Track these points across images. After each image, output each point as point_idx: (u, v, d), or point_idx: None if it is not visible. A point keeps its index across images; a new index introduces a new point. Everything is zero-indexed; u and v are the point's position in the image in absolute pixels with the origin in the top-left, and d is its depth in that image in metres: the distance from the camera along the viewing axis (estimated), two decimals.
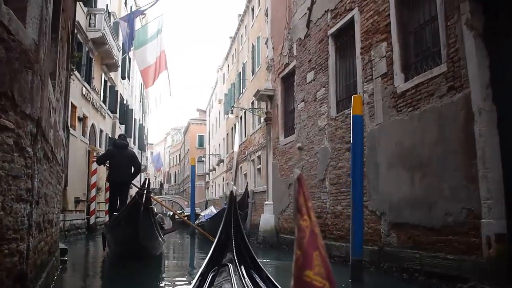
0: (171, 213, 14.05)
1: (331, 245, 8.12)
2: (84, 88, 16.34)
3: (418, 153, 5.88)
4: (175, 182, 66.13)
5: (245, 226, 13.16)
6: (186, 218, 25.94)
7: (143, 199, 6.72)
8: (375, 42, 7.15)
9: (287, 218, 10.41)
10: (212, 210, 16.77)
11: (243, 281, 2.45)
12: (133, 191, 8.44)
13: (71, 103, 14.64)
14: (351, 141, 6.06)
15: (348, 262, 7.33)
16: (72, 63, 10.36)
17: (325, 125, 8.67)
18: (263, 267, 2.85)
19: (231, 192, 3.36)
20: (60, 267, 6.72)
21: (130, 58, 27.95)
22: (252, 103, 21.92)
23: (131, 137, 28.43)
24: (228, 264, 2.79)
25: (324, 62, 8.94)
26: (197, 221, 16.07)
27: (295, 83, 10.54)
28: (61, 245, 7.57)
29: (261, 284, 2.60)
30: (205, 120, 47.85)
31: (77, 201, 15.51)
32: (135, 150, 31.21)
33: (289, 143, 10.65)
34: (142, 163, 36.61)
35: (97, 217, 16.64)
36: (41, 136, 3.38)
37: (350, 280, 5.83)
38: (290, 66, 10.92)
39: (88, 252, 11.51)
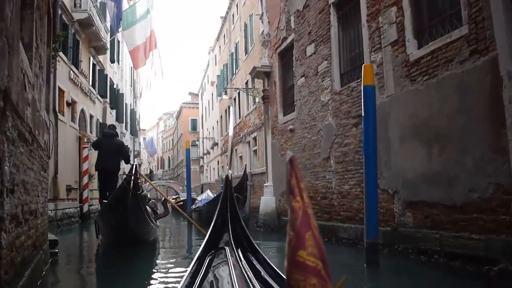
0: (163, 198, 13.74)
1: (338, 226, 7.69)
2: (71, 71, 15.66)
3: (435, 125, 5.40)
4: (169, 167, 65.64)
5: (244, 210, 12.71)
6: (181, 203, 25.56)
7: (131, 185, 6.58)
8: (383, 8, 6.60)
9: None
10: (208, 194, 16.31)
11: (240, 263, 2.44)
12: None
13: (59, 87, 14.04)
14: (363, 114, 5.55)
15: (358, 244, 6.95)
16: (57, 43, 9.73)
17: (329, 100, 8.15)
18: (260, 250, 2.82)
19: (227, 176, 3.31)
20: (50, 260, 6.25)
21: (119, 41, 27.13)
22: (246, 83, 21.34)
23: (122, 122, 27.78)
24: (225, 247, 2.79)
25: (326, 34, 8.38)
26: (193, 205, 15.58)
27: (293, 58, 9.97)
28: (51, 236, 7.06)
29: (258, 266, 2.60)
30: (198, 103, 47.14)
31: (69, 189, 14.98)
32: (127, 135, 30.61)
33: (289, 121, 10.13)
34: (135, 149, 35.98)
35: (90, 205, 16.12)
36: (12, 112, 2.84)
37: (365, 264, 5.38)
38: (288, 40, 10.34)
39: (82, 241, 11.21)
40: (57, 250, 6.90)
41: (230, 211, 3.06)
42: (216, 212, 3.13)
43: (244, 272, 2.25)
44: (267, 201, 10.82)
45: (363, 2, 7.16)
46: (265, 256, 2.65)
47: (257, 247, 2.88)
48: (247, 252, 2.83)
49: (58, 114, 13.97)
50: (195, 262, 2.56)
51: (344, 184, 7.54)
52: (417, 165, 5.73)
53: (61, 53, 14.33)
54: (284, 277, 1.97)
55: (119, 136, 26.33)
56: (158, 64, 18.92)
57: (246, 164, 13.30)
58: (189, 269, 2.47)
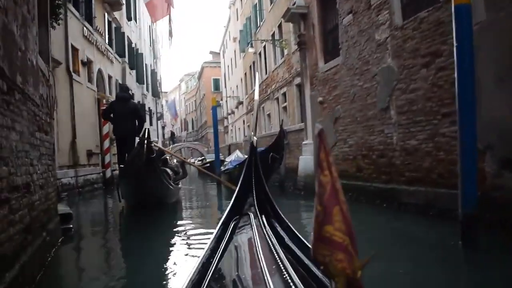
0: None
1: (401, 190, 6.41)
2: (85, 28, 14.38)
3: None
4: (192, 129, 64.97)
5: (279, 171, 11.51)
6: (208, 165, 24.56)
7: (144, 149, 6.55)
8: None
9: (335, 158, 8.65)
10: (238, 155, 15.08)
11: (264, 229, 2.42)
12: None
13: (72, 45, 12.85)
14: (455, 43, 4.13)
15: (429, 212, 5.72)
16: None
17: (387, 37, 6.68)
18: (283, 217, 2.75)
19: (251, 143, 3.25)
20: (62, 239, 5.23)
21: None
22: (273, 35, 19.74)
23: (143, 84, 26.66)
24: (249, 213, 2.78)
25: None
26: (222, 167, 14.45)
27: None
28: (64, 209, 6.04)
29: (281, 232, 2.52)
30: (219, 62, 45.58)
31: (90, 154, 14.05)
32: (149, 97, 29.58)
33: (332, 69, 8.69)
34: (158, 111, 34.97)
35: (113, 170, 15.17)
36: None
37: (461, 241, 4.12)
38: None
39: (106, 207, 10.87)
40: (71, 226, 5.90)
41: (254, 177, 3.04)
42: (241, 178, 3.12)
43: (268, 238, 2.24)
44: (307, 161, 9.54)
45: None
46: (289, 223, 2.60)
47: (281, 213, 2.80)
48: (271, 218, 2.81)
49: (73, 74, 12.87)
50: (219, 227, 2.58)
51: (410, 139, 6.19)
52: None
53: (72, 8, 13.09)
54: (308, 244, 2.02)
55: (141, 97, 25.40)
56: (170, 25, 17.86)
57: (282, 120, 11.81)
58: (213, 234, 2.46)
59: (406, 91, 6.20)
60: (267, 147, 10.14)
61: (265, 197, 3.00)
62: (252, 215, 2.72)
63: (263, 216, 2.72)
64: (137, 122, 8.54)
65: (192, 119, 65.36)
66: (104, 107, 15.08)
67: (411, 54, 6.08)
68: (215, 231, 2.52)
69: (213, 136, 15.83)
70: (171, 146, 45.20)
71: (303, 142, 9.97)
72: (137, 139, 7.25)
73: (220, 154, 19.60)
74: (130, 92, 9.43)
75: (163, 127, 43.78)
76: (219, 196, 12.36)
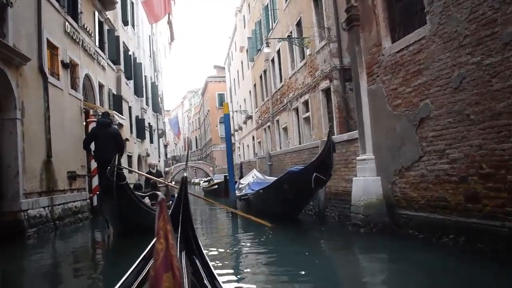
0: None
1: None
2: (67, 24, 11.71)
3: None
4: (196, 147, 62.28)
5: (317, 195, 8.62)
6: (216, 187, 21.54)
7: (114, 177, 6.46)
8: None
9: (419, 180, 5.76)
10: (257, 175, 12.12)
11: (181, 268, 2.40)
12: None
13: (48, 40, 10.16)
14: None
15: None
16: None
17: None
18: (205, 254, 2.81)
19: (183, 178, 3.21)
20: None
21: (132, 2, 23.22)
22: (289, 36, 17.09)
23: (142, 97, 23.97)
24: None
25: None
26: (237, 191, 11.54)
27: None
28: None
29: (201, 270, 2.62)
30: (224, 76, 43.09)
31: (73, 176, 11.24)
32: (149, 112, 26.90)
33: (411, 46, 5.81)
34: (159, 127, 32.20)
35: None
36: None
37: None
38: None
39: (93, 243, 8.52)
40: None
41: (182, 212, 2.96)
42: (170, 211, 2.97)
43: (185, 277, 2.27)
44: (366, 184, 6.62)
45: None
46: (209, 261, 2.63)
47: (203, 251, 2.83)
48: (192, 255, 2.80)
49: (50, 76, 10.16)
50: (139, 262, 2.53)
51: None
52: None
53: None
54: (221, 284, 2.43)
55: (139, 111, 22.72)
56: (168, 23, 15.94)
57: (330, 125, 8.75)
58: (131, 269, 2.39)
59: None
60: (307, 165, 7.25)
61: (192, 234, 2.94)
62: None
63: (183, 253, 2.68)
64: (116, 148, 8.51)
65: (196, 137, 62.77)
66: (92, 119, 12.52)
67: None
68: (132, 267, 2.41)
69: (221, 155, 13.02)
70: (173, 166, 42.42)
71: (358, 158, 7.05)
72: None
73: (225, 174, 16.67)
74: (110, 117, 9.94)
75: (165, 146, 41.05)
76: (232, 220, 10.00)
